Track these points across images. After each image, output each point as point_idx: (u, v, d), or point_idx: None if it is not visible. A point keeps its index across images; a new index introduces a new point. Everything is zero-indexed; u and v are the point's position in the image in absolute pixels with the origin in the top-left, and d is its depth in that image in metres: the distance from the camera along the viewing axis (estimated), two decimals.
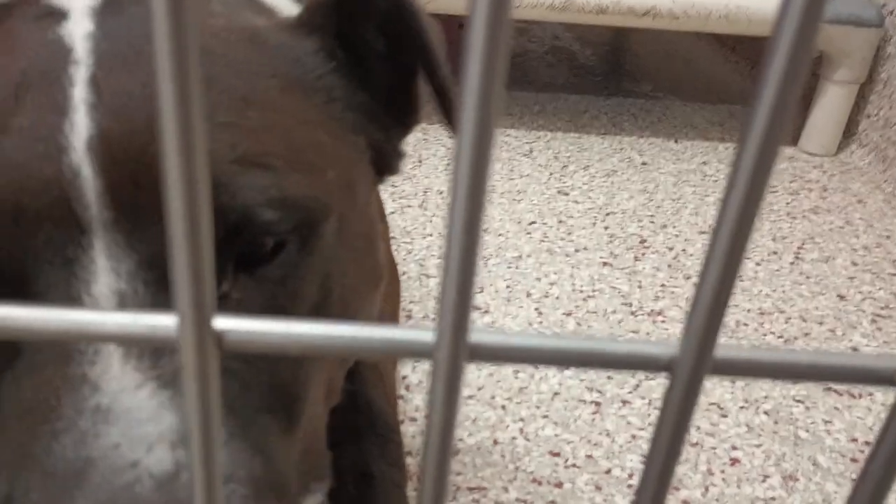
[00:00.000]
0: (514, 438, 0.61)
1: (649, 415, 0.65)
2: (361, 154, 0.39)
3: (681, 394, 0.17)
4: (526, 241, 0.91)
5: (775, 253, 0.93)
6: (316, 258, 0.33)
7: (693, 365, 0.17)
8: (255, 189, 0.30)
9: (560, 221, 0.97)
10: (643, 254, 0.91)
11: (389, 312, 0.60)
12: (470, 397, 0.65)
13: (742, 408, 0.66)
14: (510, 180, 1.06)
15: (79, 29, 0.32)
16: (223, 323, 0.16)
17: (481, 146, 0.13)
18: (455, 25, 1.68)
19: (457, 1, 1.13)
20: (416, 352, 0.17)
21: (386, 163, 0.41)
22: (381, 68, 0.40)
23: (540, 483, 0.57)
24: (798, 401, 0.67)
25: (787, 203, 1.07)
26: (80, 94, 0.30)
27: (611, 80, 1.51)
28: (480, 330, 0.16)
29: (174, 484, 0.25)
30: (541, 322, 0.76)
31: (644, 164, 1.16)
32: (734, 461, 0.60)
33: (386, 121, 0.41)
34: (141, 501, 0.24)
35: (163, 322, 0.16)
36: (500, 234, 0.92)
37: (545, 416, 0.64)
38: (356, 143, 0.38)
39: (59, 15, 0.34)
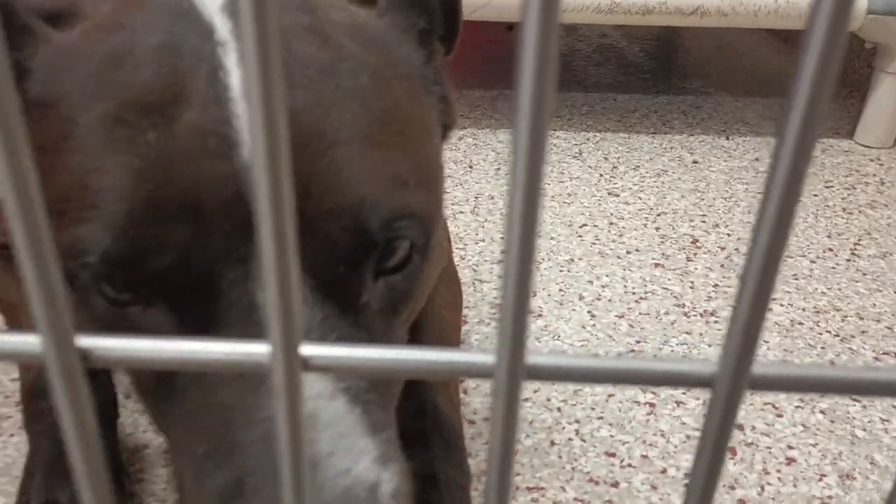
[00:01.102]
0: (570, 440, 0.63)
1: (704, 415, 0.66)
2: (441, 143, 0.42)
3: (721, 408, 0.19)
4: (577, 244, 0.92)
5: (831, 250, 0.93)
6: (428, 264, 0.36)
7: (731, 381, 0.19)
8: (396, 207, 0.33)
9: (611, 223, 0.98)
10: (695, 254, 0.91)
11: (452, 321, 0.63)
12: (526, 400, 0.67)
13: (797, 407, 0.67)
14: (560, 183, 1.08)
15: (208, 1, 0.34)
16: (309, 350, 0.18)
17: (535, 149, 0.15)
18: (503, 28, 1.70)
19: (506, 8, 1.15)
20: (478, 373, 0.19)
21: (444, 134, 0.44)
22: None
23: (597, 483, 0.59)
24: (855, 400, 0.67)
25: (843, 198, 1.06)
26: (237, 83, 0.31)
27: (660, 78, 1.50)
28: (536, 352, 0.19)
29: (377, 493, 0.28)
30: (594, 325, 0.78)
31: (695, 162, 1.16)
32: (790, 460, 0.61)
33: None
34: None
35: (257, 350, 0.18)
36: (551, 238, 0.94)
37: (600, 418, 0.65)
38: (439, 134, 0.41)
39: None
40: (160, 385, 0.32)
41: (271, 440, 0.29)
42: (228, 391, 0.30)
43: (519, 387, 0.19)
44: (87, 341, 0.18)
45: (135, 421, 0.61)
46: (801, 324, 0.79)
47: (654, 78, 1.50)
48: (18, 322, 0.63)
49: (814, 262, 0.90)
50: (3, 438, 0.59)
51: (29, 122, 0.33)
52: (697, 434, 0.64)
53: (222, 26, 0.33)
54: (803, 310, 0.81)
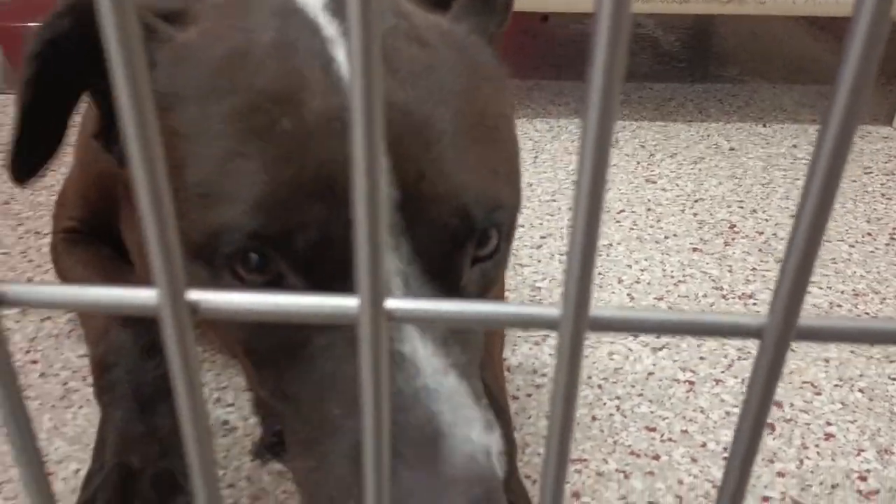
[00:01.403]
0: (611, 415, 0.65)
1: (742, 392, 0.68)
2: None
3: (769, 358, 0.21)
4: (616, 229, 0.94)
5: (870, 234, 0.93)
6: (509, 250, 0.40)
7: (780, 331, 0.21)
8: (493, 197, 0.36)
9: (649, 209, 0.99)
10: (733, 239, 0.93)
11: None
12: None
13: (836, 386, 0.68)
14: None
15: (311, 1, 0.37)
16: (392, 303, 0.21)
17: (603, 136, 0.17)
18: (538, 19, 1.71)
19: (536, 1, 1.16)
20: (545, 324, 0.21)
21: None
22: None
23: (638, 455, 0.60)
24: (893, 378, 0.68)
25: (882, 184, 1.06)
26: (348, 73, 0.34)
27: (696, 66, 1.51)
28: (600, 306, 0.21)
29: (490, 456, 0.31)
30: (633, 306, 0.79)
31: (732, 149, 1.17)
32: (829, 436, 0.62)
33: None
34: (482, 470, 0.31)
35: (347, 303, 0.21)
36: None
37: (640, 395, 0.67)
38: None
39: None
40: (284, 356, 0.35)
41: (399, 408, 0.32)
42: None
43: (583, 337, 0.21)
44: (196, 294, 0.20)
45: None
46: (839, 306, 0.80)
47: (689, 66, 1.51)
48: None
49: (853, 246, 0.91)
50: (73, 410, 0.63)
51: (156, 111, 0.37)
52: (737, 410, 0.65)
53: (327, 24, 0.36)
54: (842, 293, 0.82)
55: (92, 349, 0.61)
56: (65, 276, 0.69)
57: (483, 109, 0.38)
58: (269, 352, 0.36)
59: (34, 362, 0.68)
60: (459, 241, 0.35)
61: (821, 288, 0.83)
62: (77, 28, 0.38)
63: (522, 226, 0.94)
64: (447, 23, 0.42)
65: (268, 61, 0.35)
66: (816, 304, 0.80)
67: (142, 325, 0.60)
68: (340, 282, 0.33)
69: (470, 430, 0.32)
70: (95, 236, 0.69)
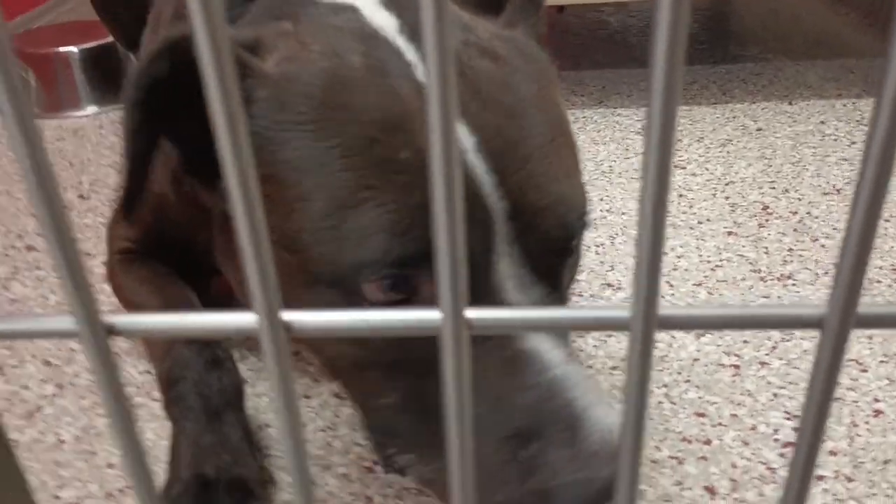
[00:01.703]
0: (660, 402, 0.66)
1: (788, 374, 0.69)
2: None
3: (831, 347, 0.23)
4: None
5: None
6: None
7: (840, 321, 0.22)
8: (582, 203, 0.40)
9: (680, 195, 1.00)
10: (767, 220, 0.93)
11: None
12: (613, 368, 0.70)
13: (882, 362, 0.68)
14: (626, 159, 1.10)
15: (381, 22, 0.40)
16: (472, 314, 0.22)
17: (667, 125, 0.19)
18: (554, 11, 1.71)
19: None
20: (616, 326, 0.23)
21: None
22: None
23: (690, 441, 0.62)
24: None
25: None
26: None
27: (717, 47, 1.51)
28: (667, 305, 0.22)
29: (616, 433, 0.35)
30: (672, 294, 0.80)
31: (759, 129, 1.17)
32: (877, 412, 0.63)
33: None
34: (614, 446, 0.35)
35: (430, 316, 0.22)
36: (623, 213, 0.96)
37: (687, 381, 0.68)
38: None
39: (347, 7, 0.41)
40: (407, 369, 0.39)
41: (538, 398, 0.36)
42: (497, 366, 0.37)
43: (653, 336, 0.23)
44: (290, 315, 0.22)
45: (255, 405, 0.67)
46: (879, 282, 0.80)
47: (710, 48, 1.50)
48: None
49: (887, 220, 0.91)
50: (140, 424, 0.65)
51: (260, 147, 0.38)
52: (784, 392, 0.66)
53: (406, 49, 0.38)
54: (880, 268, 0.82)
55: (158, 365, 0.63)
56: (123, 295, 0.71)
57: (557, 115, 0.41)
58: (391, 367, 0.39)
59: None
60: (560, 246, 0.39)
61: None
62: (174, 69, 0.39)
63: None
64: (504, 29, 0.44)
65: (367, 88, 0.37)
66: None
67: (203, 340, 0.62)
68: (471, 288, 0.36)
69: (600, 412, 0.36)
70: (150, 256, 0.71)
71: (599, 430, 0.35)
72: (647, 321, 0.22)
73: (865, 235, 0.21)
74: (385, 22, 0.40)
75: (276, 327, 0.22)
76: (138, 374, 0.71)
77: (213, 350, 0.62)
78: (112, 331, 0.22)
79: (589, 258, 0.87)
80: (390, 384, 0.40)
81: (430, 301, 0.37)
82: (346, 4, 0.42)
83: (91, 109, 1.32)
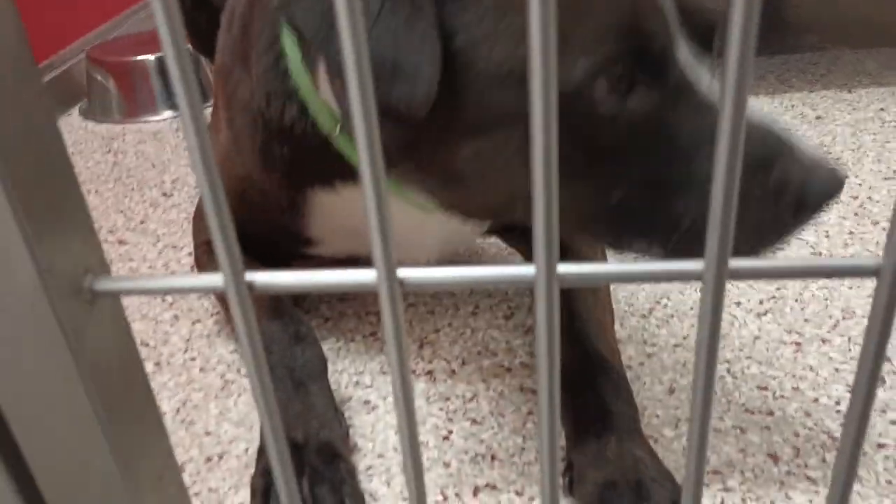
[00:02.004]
0: (722, 377, 0.69)
1: (850, 350, 0.70)
2: None
3: (886, 294, 0.26)
4: None
5: None
6: None
7: (895, 270, 0.25)
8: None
9: None
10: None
11: (604, 295, 0.70)
12: (677, 346, 0.73)
13: None
14: None
15: None
16: (564, 268, 0.26)
17: (738, 112, 0.22)
18: None
19: None
20: (690, 276, 0.26)
21: None
22: None
23: (752, 413, 0.64)
24: None
25: None
26: None
27: (773, 38, 1.51)
28: (737, 258, 0.25)
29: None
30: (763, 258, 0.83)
31: (818, 117, 1.18)
32: None
33: None
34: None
35: (525, 271, 0.26)
36: None
37: (749, 357, 0.71)
38: None
39: None
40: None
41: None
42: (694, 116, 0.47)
43: (724, 286, 0.26)
44: (403, 272, 0.26)
45: (336, 380, 0.72)
46: None
47: (767, 39, 1.51)
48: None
49: None
50: (233, 398, 0.71)
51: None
52: (845, 367, 0.68)
53: None
54: None
55: None
56: None
57: None
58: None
59: (193, 359, 0.76)
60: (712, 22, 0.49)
61: None
62: None
63: None
64: None
65: None
66: None
67: (287, 316, 0.67)
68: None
69: (797, 138, 0.47)
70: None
71: (809, 147, 0.46)
72: (719, 272, 0.26)
73: None
74: None
75: (393, 282, 0.26)
76: (228, 354, 0.77)
77: (297, 326, 0.66)
78: (252, 287, 0.27)
79: None
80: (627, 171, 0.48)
81: (646, 98, 0.46)
82: None
83: (167, 114, 1.39)
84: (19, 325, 0.27)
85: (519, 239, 0.82)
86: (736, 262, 0.26)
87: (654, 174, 0.48)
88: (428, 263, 0.79)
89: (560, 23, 0.39)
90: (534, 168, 0.23)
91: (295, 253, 0.74)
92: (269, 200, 0.67)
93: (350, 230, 0.66)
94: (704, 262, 0.26)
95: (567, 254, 0.71)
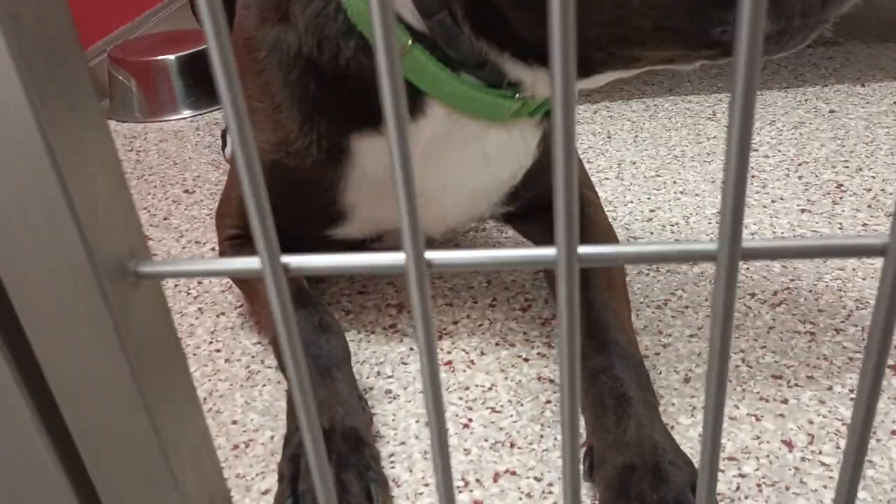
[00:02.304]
0: (737, 366, 0.70)
1: (864, 339, 0.71)
2: None
3: (894, 272, 0.27)
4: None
5: None
6: None
7: None
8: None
9: (753, 176, 1.02)
10: (840, 197, 0.95)
11: (620, 285, 0.71)
12: (692, 336, 0.74)
13: None
14: (698, 144, 1.13)
15: None
16: (584, 249, 0.27)
17: (746, 118, 0.24)
18: None
19: None
20: (704, 257, 0.27)
21: None
22: None
23: (767, 401, 0.65)
24: None
25: None
26: None
27: None
28: (749, 239, 0.27)
29: None
30: (747, 268, 0.84)
31: (832, 111, 1.18)
32: None
33: None
34: None
35: (547, 252, 0.27)
36: (696, 195, 1.00)
37: (763, 347, 0.72)
38: None
39: None
40: None
41: None
42: None
43: (737, 266, 0.27)
44: (431, 254, 0.27)
45: (358, 370, 0.74)
46: None
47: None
48: (256, 295, 0.76)
49: None
50: (258, 388, 0.72)
51: None
52: (859, 355, 0.69)
53: None
54: None
55: (271, 332, 0.70)
56: (236, 279, 0.79)
57: None
58: None
59: (218, 351, 0.78)
60: None
61: None
62: None
63: (632, 201, 1.00)
64: None
65: None
66: None
67: (311, 305, 0.69)
68: None
69: None
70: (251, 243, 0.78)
71: None
72: (732, 252, 0.27)
73: None
74: None
75: (421, 265, 0.28)
76: (252, 345, 0.79)
77: (321, 315, 0.68)
78: (287, 269, 0.28)
79: (665, 237, 0.91)
80: None
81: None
82: None
83: (188, 113, 1.42)
84: (70, 304, 0.29)
85: (530, 225, 0.83)
86: (748, 243, 0.27)
87: None
88: (445, 234, 0.81)
89: None
90: (554, 152, 0.24)
91: (321, 239, 0.76)
92: (304, 165, 0.69)
93: (387, 190, 0.68)
94: (717, 243, 0.27)
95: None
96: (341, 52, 0.63)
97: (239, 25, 0.74)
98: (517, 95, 0.63)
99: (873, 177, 0.99)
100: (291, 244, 0.77)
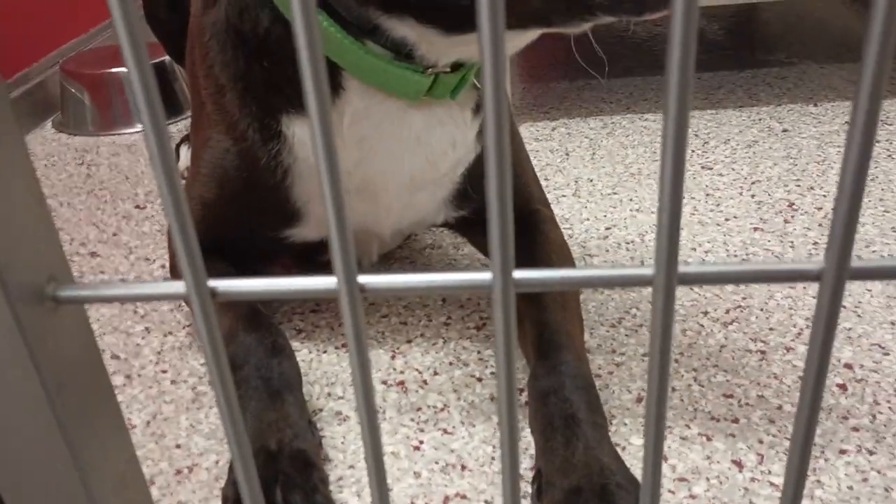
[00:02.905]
0: (689, 385, 0.70)
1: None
2: None
3: (829, 296, 0.26)
4: None
5: None
6: None
7: (836, 273, 0.26)
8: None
9: (707, 195, 1.03)
10: (792, 216, 0.96)
11: (573, 306, 0.71)
12: (645, 355, 0.74)
13: None
14: (655, 161, 1.14)
15: None
16: (519, 274, 0.27)
17: (680, 126, 0.23)
18: None
19: None
20: (640, 282, 0.27)
21: None
22: None
23: (718, 420, 0.65)
24: None
25: None
26: None
27: (742, 53, 1.54)
28: (686, 263, 0.26)
29: None
30: (712, 262, 0.84)
31: (785, 131, 1.20)
32: None
33: None
34: None
35: (481, 277, 0.27)
36: (652, 213, 1.00)
37: (715, 366, 0.72)
38: None
39: None
40: None
41: None
42: None
43: (674, 291, 0.27)
44: (364, 279, 0.26)
45: (308, 391, 0.72)
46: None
47: (736, 54, 1.54)
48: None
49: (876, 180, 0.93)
50: (204, 410, 0.70)
51: None
52: None
53: None
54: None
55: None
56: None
57: None
58: None
59: (164, 372, 0.76)
60: None
61: (866, 226, 0.86)
62: None
63: (588, 219, 1.00)
64: None
65: None
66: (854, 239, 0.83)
67: (264, 328, 0.68)
68: None
69: None
70: (208, 254, 0.77)
71: None
72: (668, 277, 0.26)
73: (854, 198, 0.25)
74: None
75: (353, 289, 0.27)
76: (200, 366, 0.77)
77: (274, 337, 0.67)
78: (214, 294, 0.27)
79: (620, 254, 0.91)
80: None
81: None
82: None
83: (142, 126, 1.39)
84: None
85: (476, 231, 0.83)
86: (684, 268, 0.27)
87: None
88: (394, 236, 0.80)
89: None
90: (487, 175, 0.24)
91: (277, 241, 0.75)
92: (248, 151, 0.68)
93: None
94: (654, 269, 0.26)
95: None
96: (260, 22, 0.64)
97: (192, 17, 0.74)
98: (428, 70, 0.63)
99: (825, 195, 1.00)
100: (248, 248, 0.76)
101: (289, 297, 0.29)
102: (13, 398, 0.29)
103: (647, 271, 0.27)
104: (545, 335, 0.66)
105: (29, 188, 0.28)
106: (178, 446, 0.67)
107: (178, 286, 0.27)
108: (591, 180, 1.10)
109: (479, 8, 0.20)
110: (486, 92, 0.22)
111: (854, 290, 0.81)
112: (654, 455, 0.28)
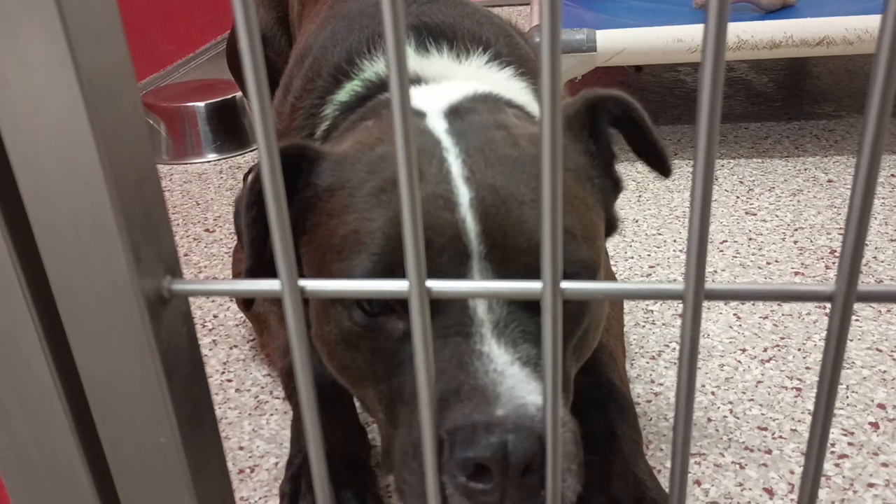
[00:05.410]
0: (724, 417, 0.73)
1: (847, 397, 0.74)
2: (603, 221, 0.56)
3: (839, 317, 0.30)
4: (719, 258, 1.02)
5: None
6: (592, 303, 0.51)
7: (845, 295, 0.30)
8: (572, 253, 0.48)
9: (750, 239, 1.07)
10: (834, 263, 0.99)
11: (617, 332, 0.75)
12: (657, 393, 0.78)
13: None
14: None
15: (438, 126, 0.51)
16: (566, 285, 0.31)
17: (707, 173, 0.28)
18: (631, 70, 1.81)
19: (636, 54, 1.27)
20: (671, 296, 0.31)
21: (610, 226, 0.58)
22: (606, 154, 0.58)
23: (751, 450, 0.68)
24: None
25: None
26: (457, 171, 0.48)
27: (791, 105, 1.57)
28: (713, 281, 0.31)
29: (539, 418, 0.41)
30: (739, 325, 0.87)
31: (830, 181, 1.23)
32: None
33: (611, 195, 0.58)
34: (528, 417, 0.41)
35: (529, 286, 0.31)
36: None
37: (751, 400, 0.75)
38: (602, 215, 0.55)
39: (421, 114, 0.53)
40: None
41: (475, 386, 0.43)
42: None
43: (701, 304, 0.31)
44: (431, 283, 0.31)
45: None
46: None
47: (784, 105, 1.57)
48: (267, 328, 0.80)
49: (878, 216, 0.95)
50: (266, 417, 0.76)
51: (319, 201, 0.51)
52: (841, 412, 0.72)
53: (446, 141, 0.50)
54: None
55: (280, 362, 0.74)
56: (250, 312, 0.83)
57: (567, 190, 0.50)
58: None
59: (229, 381, 0.82)
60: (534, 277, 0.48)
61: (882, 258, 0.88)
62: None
63: (632, 257, 1.04)
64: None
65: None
66: (861, 263, 0.86)
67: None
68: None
69: (525, 394, 0.41)
70: (271, 275, 0.83)
71: (513, 402, 0.41)
72: (696, 292, 0.31)
73: (862, 221, 0.29)
74: (436, 126, 0.52)
75: (423, 292, 0.31)
76: (262, 377, 0.82)
77: None
78: (303, 293, 0.32)
79: None
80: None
81: (395, 329, 0.48)
82: (417, 110, 0.54)
83: (212, 156, 1.48)
84: (110, 319, 0.32)
85: None
86: (711, 285, 0.31)
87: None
88: None
89: None
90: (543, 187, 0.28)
91: None
92: None
93: None
94: (684, 284, 0.31)
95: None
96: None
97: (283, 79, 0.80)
98: None
99: (866, 244, 1.03)
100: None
101: (362, 296, 0.34)
102: (130, 382, 0.34)
103: (678, 286, 0.32)
104: (591, 355, 0.70)
105: (157, 194, 0.34)
106: (241, 448, 0.72)
107: (274, 283, 0.32)
108: (637, 221, 1.14)
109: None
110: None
111: (892, 336, 0.83)
112: (682, 453, 0.33)
